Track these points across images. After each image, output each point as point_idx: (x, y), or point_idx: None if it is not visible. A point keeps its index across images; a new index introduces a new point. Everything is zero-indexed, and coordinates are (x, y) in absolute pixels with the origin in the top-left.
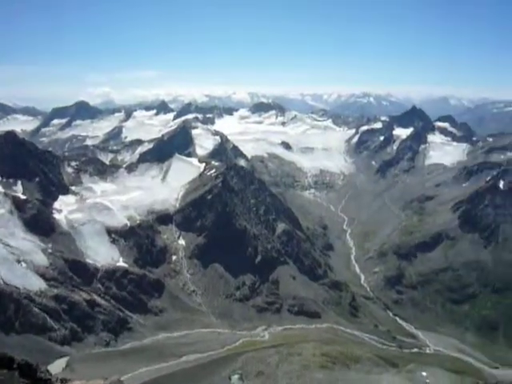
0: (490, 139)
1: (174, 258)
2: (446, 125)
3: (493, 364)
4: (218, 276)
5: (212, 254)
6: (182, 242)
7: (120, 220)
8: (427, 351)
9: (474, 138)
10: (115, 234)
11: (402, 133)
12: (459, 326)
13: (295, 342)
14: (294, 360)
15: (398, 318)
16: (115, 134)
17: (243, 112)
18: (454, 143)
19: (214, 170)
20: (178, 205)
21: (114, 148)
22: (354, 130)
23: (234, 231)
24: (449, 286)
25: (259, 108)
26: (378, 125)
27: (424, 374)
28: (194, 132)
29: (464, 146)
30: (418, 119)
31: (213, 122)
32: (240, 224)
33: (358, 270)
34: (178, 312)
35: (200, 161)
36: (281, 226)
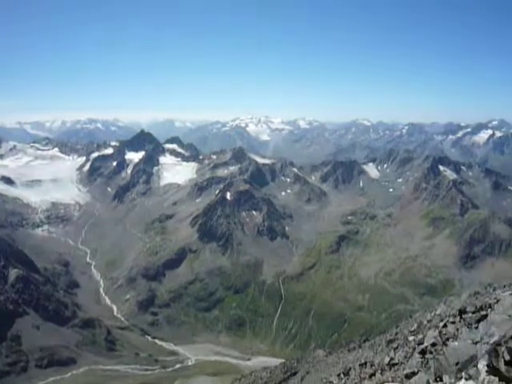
0: (214, 156)
1: None
2: (174, 146)
3: (246, 357)
4: None
5: None
6: None
7: None
8: (189, 363)
9: (201, 157)
10: None
11: (134, 157)
12: (213, 331)
13: None
14: None
15: (157, 340)
16: None
17: None
18: (184, 163)
19: None
20: None
21: None
22: (84, 158)
23: None
24: (198, 296)
25: None
26: (110, 150)
27: None
28: None
29: (193, 164)
30: (147, 142)
31: None
32: None
33: (109, 301)
34: None
35: None
36: (13, 273)
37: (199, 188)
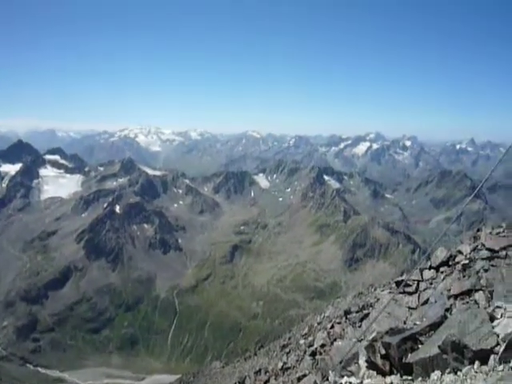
0: (101, 168)
1: None
2: (56, 157)
3: (140, 376)
4: None
5: None
6: None
7: None
8: None
9: (87, 169)
10: None
11: (10, 169)
12: (103, 352)
13: None
14: None
15: (40, 368)
16: None
17: None
18: (68, 175)
19: None
20: None
21: None
22: None
23: None
24: (86, 317)
25: None
26: None
27: None
28: None
29: (77, 176)
30: (26, 153)
31: None
32: None
33: None
34: None
35: None
36: None
37: (85, 201)
